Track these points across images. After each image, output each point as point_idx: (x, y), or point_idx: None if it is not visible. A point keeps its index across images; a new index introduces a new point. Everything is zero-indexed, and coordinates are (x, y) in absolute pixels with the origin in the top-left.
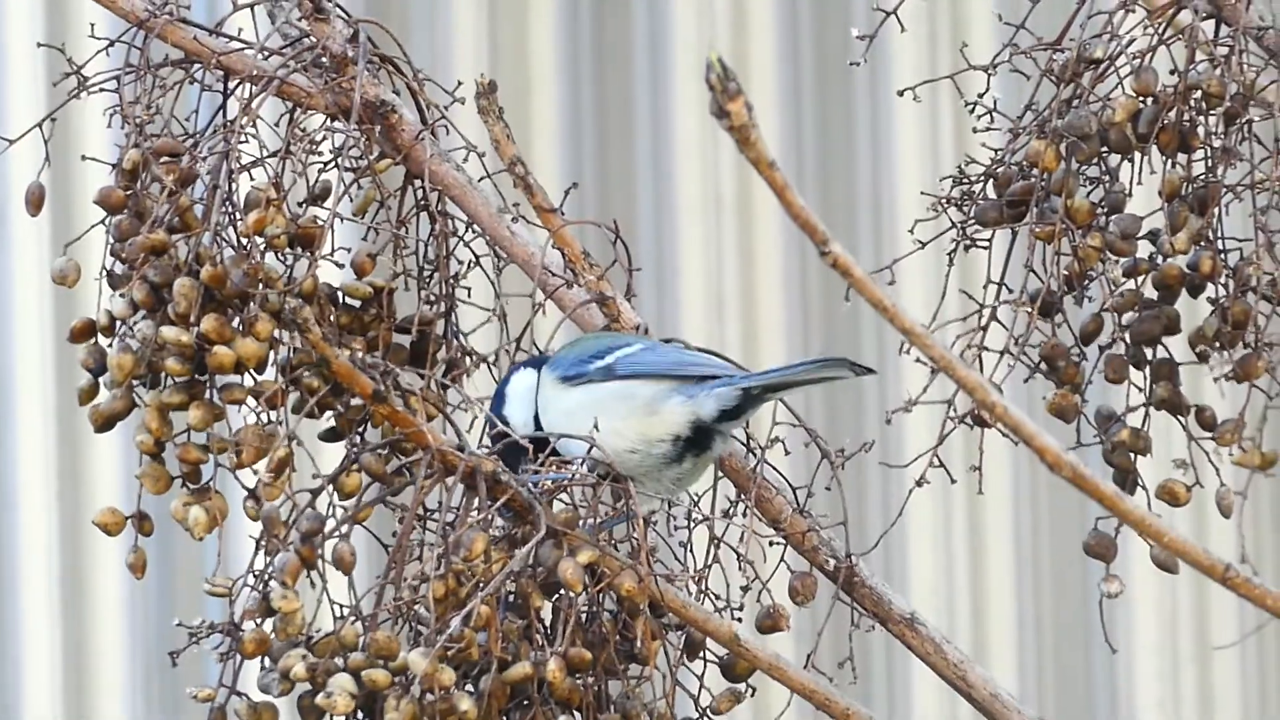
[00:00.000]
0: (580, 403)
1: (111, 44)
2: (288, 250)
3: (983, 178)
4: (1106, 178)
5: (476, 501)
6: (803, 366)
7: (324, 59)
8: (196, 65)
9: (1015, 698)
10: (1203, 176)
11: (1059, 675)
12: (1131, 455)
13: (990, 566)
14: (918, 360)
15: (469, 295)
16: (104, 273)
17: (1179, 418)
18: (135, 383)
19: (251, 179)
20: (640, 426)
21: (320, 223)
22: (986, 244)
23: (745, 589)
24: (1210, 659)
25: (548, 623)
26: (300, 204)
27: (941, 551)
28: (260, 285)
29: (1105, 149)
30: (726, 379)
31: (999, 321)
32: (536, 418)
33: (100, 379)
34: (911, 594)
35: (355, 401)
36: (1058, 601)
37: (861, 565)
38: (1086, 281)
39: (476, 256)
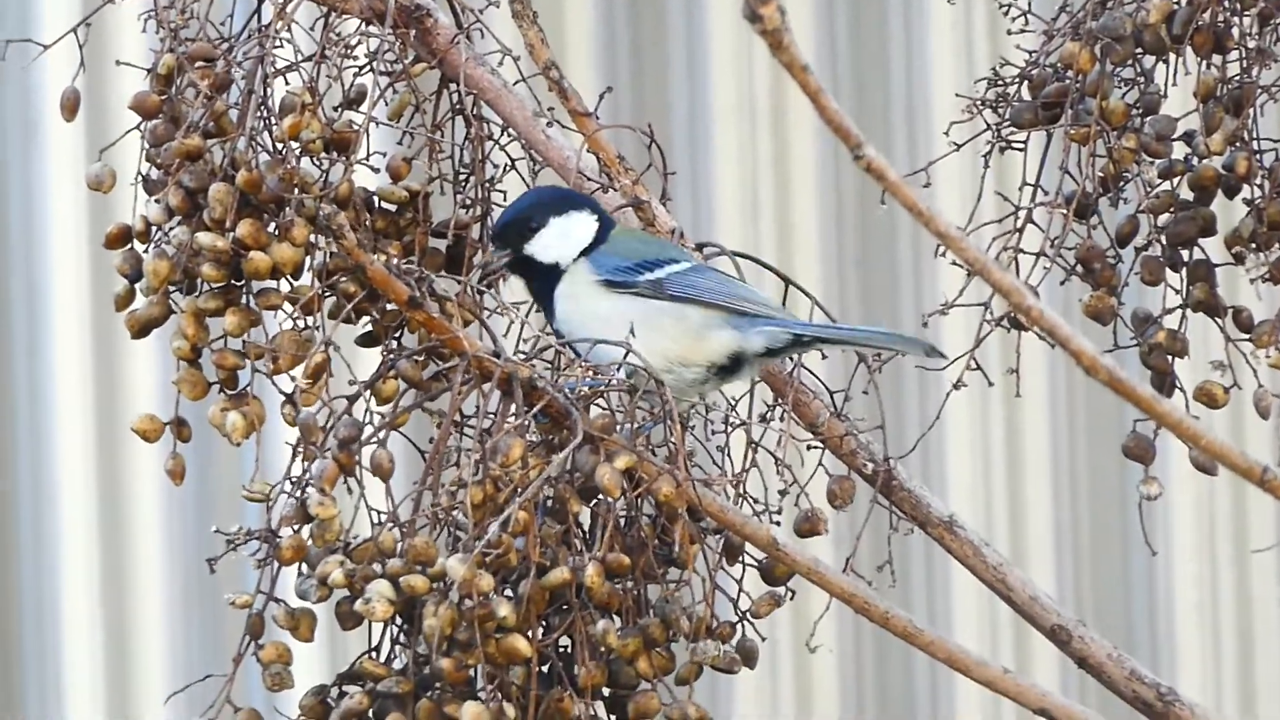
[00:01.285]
0: (624, 312)
1: None
2: (323, 155)
3: (1017, 80)
4: (1141, 79)
5: (513, 407)
6: (869, 333)
7: None
8: None
9: (1054, 600)
10: (1237, 77)
11: (1097, 578)
12: (1169, 357)
13: (1028, 469)
14: (953, 263)
15: (504, 199)
16: (139, 178)
17: (1216, 319)
18: (171, 288)
19: (286, 84)
20: (685, 350)
21: (355, 127)
22: (1021, 146)
23: (783, 493)
24: (1249, 562)
25: (585, 528)
26: (335, 108)
27: (979, 454)
28: (296, 190)
29: (1140, 50)
30: (781, 320)
31: (1034, 224)
32: (552, 292)
33: (136, 285)
34: (950, 497)
35: (391, 307)
36: (1095, 504)
37: (899, 469)
38: (1122, 183)
39: (512, 160)
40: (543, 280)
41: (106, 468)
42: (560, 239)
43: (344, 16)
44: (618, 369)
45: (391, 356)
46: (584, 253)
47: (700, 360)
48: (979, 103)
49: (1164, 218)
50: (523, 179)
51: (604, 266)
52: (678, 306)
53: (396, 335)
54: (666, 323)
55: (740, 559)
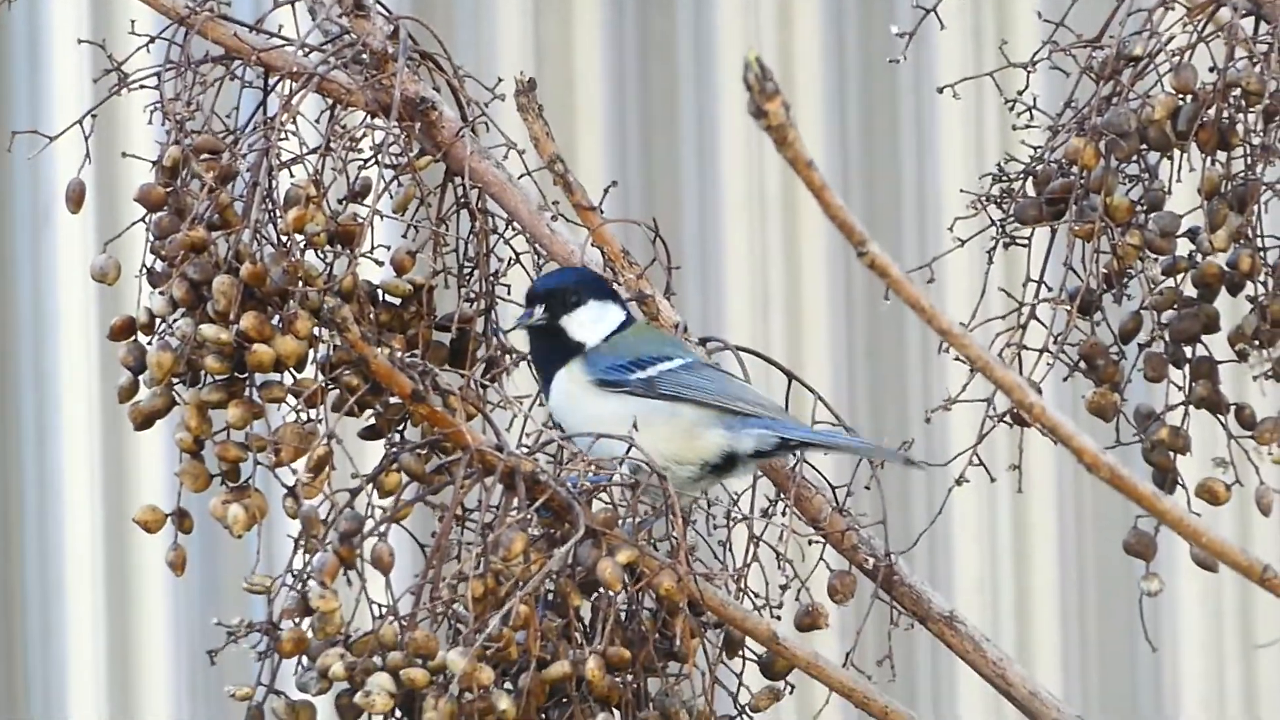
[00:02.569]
0: (617, 413)
1: (152, 41)
2: (327, 248)
3: (1022, 175)
4: (1145, 175)
5: (515, 501)
6: (851, 442)
7: (364, 56)
8: (237, 62)
9: (1057, 696)
10: (1242, 174)
11: (1103, 673)
12: (1171, 454)
13: (1034, 564)
14: (957, 359)
15: (509, 293)
16: (144, 270)
17: (1218, 416)
18: (175, 380)
19: (291, 176)
20: (678, 448)
21: (360, 220)
22: (1026, 242)
23: (784, 588)
24: (1254, 657)
25: (586, 621)
26: (340, 201)
27: (985, 550)
28: (300, 283)
29: (1144, 146)
30: (769, 422)
31: (1038, 320)
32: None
33: (140, 377)
34: (955, 593)
35: (395, 400)
36: (1102, 599)
37: (901, 564)
38: (1126, 279)
39: (516, 254)
40: (557, 354)
41: (113, 558)
42: (595, 322)
43: (349, 110)
44: (620, 464)
45: (394, 450)
46: (585, 354)
47: (693, 459)
48: (984, 198)
49: (1167, 314)
50: (527, 273)
51: (598, 365)
52: (670, 405)
53: (400, 429)
54: (659, 421)
55: (741, 653)
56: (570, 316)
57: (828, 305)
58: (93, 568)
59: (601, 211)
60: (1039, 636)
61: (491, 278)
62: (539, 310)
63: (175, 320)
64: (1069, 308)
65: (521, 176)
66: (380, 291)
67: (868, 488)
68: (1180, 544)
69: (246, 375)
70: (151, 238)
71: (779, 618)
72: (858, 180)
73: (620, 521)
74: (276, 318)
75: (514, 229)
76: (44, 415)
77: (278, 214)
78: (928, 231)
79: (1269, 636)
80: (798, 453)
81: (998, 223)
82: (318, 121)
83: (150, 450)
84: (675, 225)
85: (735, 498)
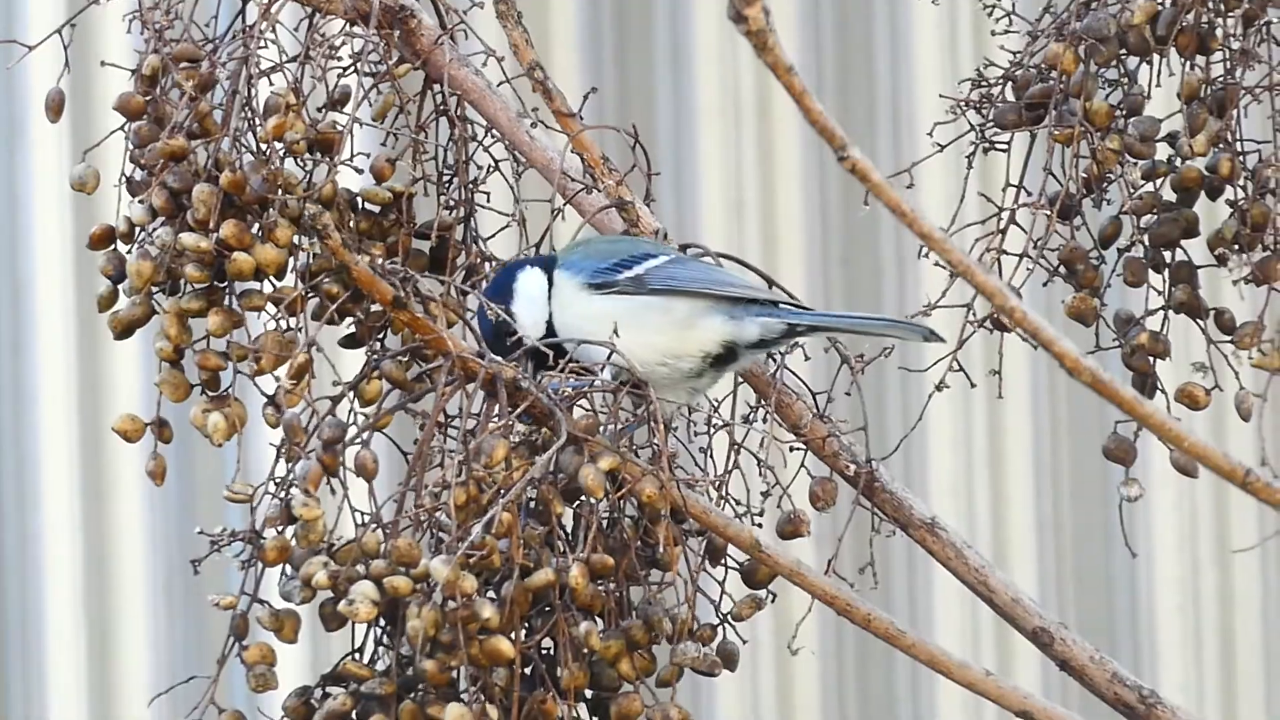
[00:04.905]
0: (608, 311)
1: None
2: (307, 156)
3: (1001, 80)
4: (1125, 80)
5: (497, 408)
6: (867, 320)
7: None
8: None
9: (1036, 602)
10: (1221, 79)
11: (1079, 578)
12: (1150, 359)
13: (1010, 470)
14: (936, 264)
15: (488, 200)
16: (123, 179)
17: (1198, 321)
18: (154, 289)
19: (271, 84)
20: (675, 342)
21: (339, 128)
22: (1005, 147)
23: (766, 494)
24: (1230, 562)
25: (569, 529)
26: (319, 109)
27: (962, 455)
28: (280, 191)
29: (1124, 51)
30: (773, 311)
31: (1018, 224)
32: (549, 323)
33: (120, 286)
34: (931, 498)
35: (375, 308)
36: (1078, 505)
37: (882, 470)
38: (1105, 184)
39: (496, 161)
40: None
41: (89, 468)
42: (528, 305)
43: (328, 17)
44: (602, 369)
45: (375, 357)
46: (558, 266)
47: (693, 351)
48: (963, 103)
49: (1147, 219)
50: (506, 180)
51: (583, 270)
52: (663, 300)
53: (380, 336)
54: (652, 317)
55: (723, 561)
56: (512, 310)
57: (802, 212)
58: (69, 478)
59: (581, 118)
60: (1014, 542)
61: (471, 185)
62: (520, 367)
63: (155, 229)
64: (1048, 212)
65: (500, 84)
66: (360, 199)
67: (848, 394)
68: (1155, 449)
69: (226, 283)
70: (131, 146)
71: (760, 525)
72: (832, 86)
73: (602, 428)
74: (256, 226)
75: (493, 136)
76: (20, 326)
77: (257, 122)
78: (902, 137)
79: (1244, 541)
80: (804, 338)
81: (976, 128)
82: (296, 30)
83: (126, 361)
84: (650, 132)
85: (716, 405)
